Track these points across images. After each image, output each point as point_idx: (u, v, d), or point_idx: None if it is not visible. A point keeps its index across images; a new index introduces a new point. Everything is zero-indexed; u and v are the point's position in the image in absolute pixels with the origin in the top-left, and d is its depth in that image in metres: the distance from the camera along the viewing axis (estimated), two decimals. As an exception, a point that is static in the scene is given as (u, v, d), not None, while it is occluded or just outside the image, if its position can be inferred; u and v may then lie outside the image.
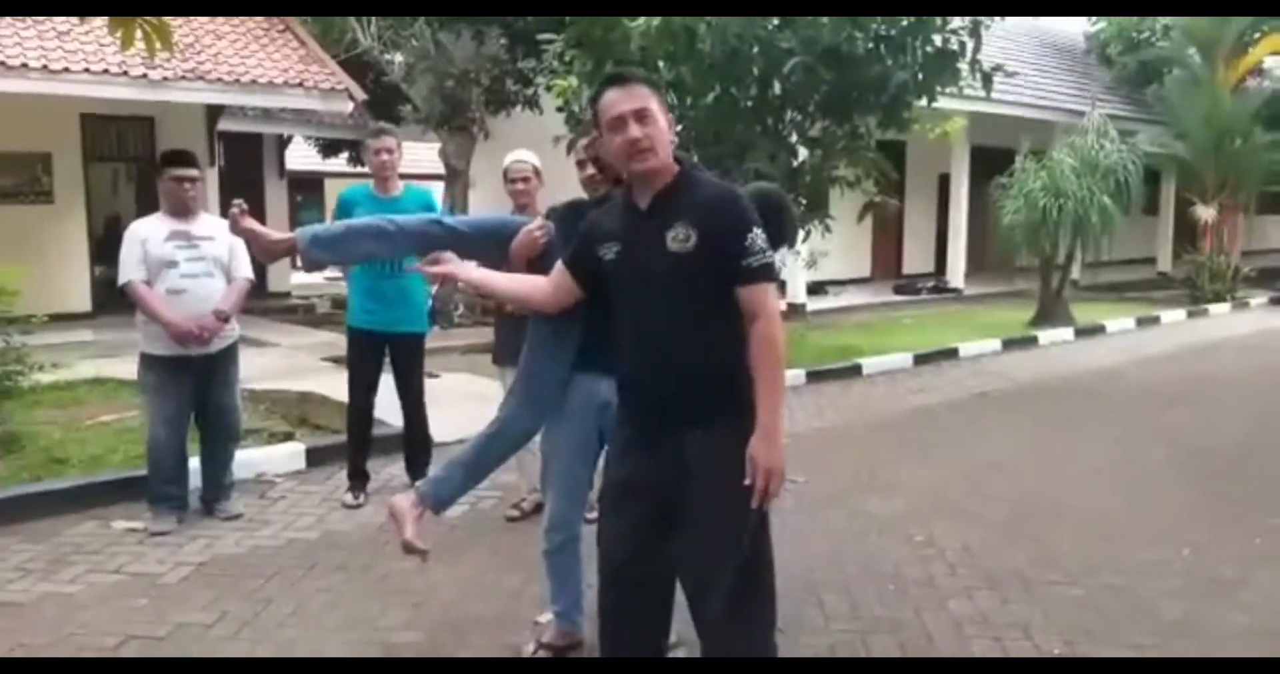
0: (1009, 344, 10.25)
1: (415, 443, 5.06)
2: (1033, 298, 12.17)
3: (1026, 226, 11.45)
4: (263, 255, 2.93)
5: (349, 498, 4.82)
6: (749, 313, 2.31)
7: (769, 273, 2.31)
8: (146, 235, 4.31)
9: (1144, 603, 3.67)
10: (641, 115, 2.32)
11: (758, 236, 2.30)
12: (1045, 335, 10.82)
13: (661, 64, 7.77)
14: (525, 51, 11.00)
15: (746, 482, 2.26)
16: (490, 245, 2.90)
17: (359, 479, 4.91)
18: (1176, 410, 7.18)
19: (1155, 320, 12.55)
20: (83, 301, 10.72)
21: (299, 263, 2.94)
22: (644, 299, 2.39)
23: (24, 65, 8.56)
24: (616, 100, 2.34)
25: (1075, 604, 3.65)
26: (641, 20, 7.09)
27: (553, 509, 3.08)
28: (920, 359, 9.18)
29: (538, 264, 2.82)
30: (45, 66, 8.67)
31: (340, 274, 7.10)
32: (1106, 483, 5.28)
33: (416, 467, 5.02)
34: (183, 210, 4.37)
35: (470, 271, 2.72)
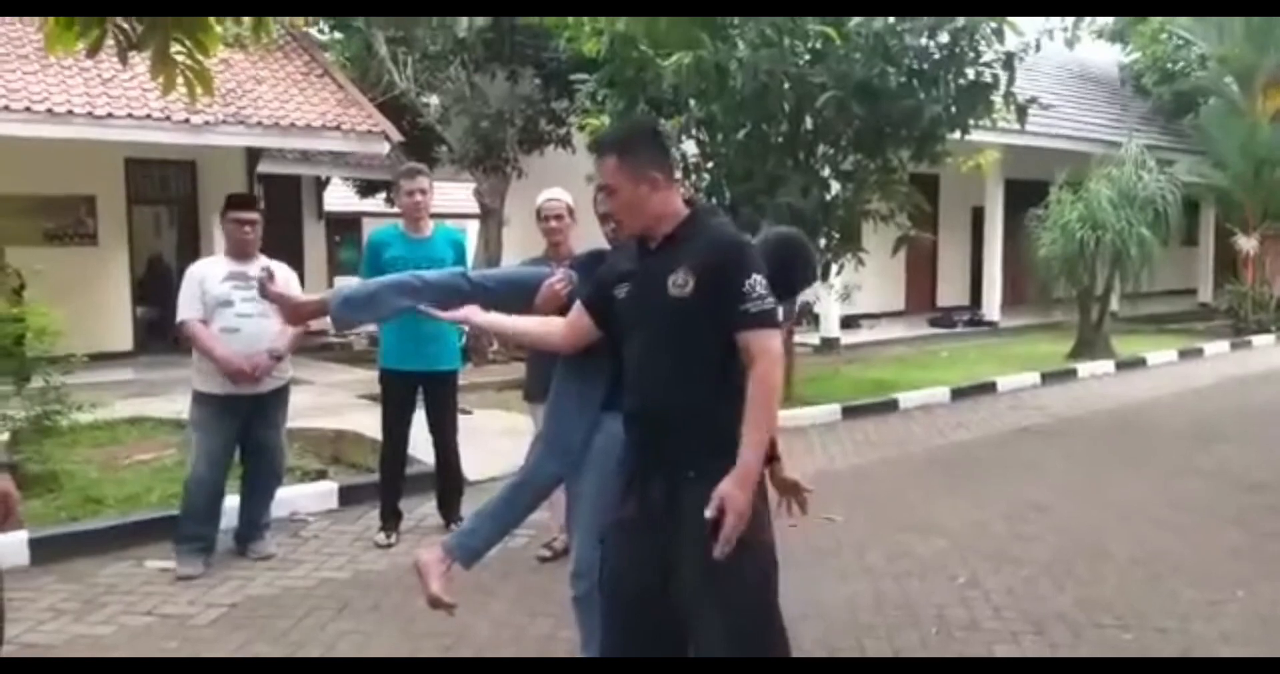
0: (1048, 377, 10.07)
1: (447, 481, 5.04)
2: (1070, 330, 11.98)
3: (1064, 258, 11.30)
4: (292, 319, 2.96)
5: (381, 538, 4.80)
6: (749, 357, 2.28)
7: (768, 318, 2.28)
8: (205, 275, 4.39)
9: (1199, 648, 3.53)
10: (608, 191, 2.42)
11: (757, 283, 2.28)
12: (1085, 368, 10.62)
13: (693, 102, 7.82)
14: (558, 92, 11.11)
15: (708, 513, 2.19)
16: (516, 298, 2.91)
17: (391, 519, 4.89)
18: (1223, 444, 6.99)
19: (1198, 352, 12.29)
20: (124, 341, 10.87)
21: (329, 325, 2.95)
22: (644, 340, 2.40)
23: (70, 112, 8.78)
24: (595, 170, 2.46)
25: (1126, 650, 3.53)
26: (673, 59, 7.14)
27: (579, 554, 3.02)
28: (958, 393, 9.04)
29: (563, 316, 2.81)
30: (90, 113, 8.89)
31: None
32: (1152, 521, 5.13)
33: (448, 505, 5.00)
34: (241, 252, 4.45)
35: (476, 315, 2.70)
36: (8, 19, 9.39)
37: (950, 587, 4.16)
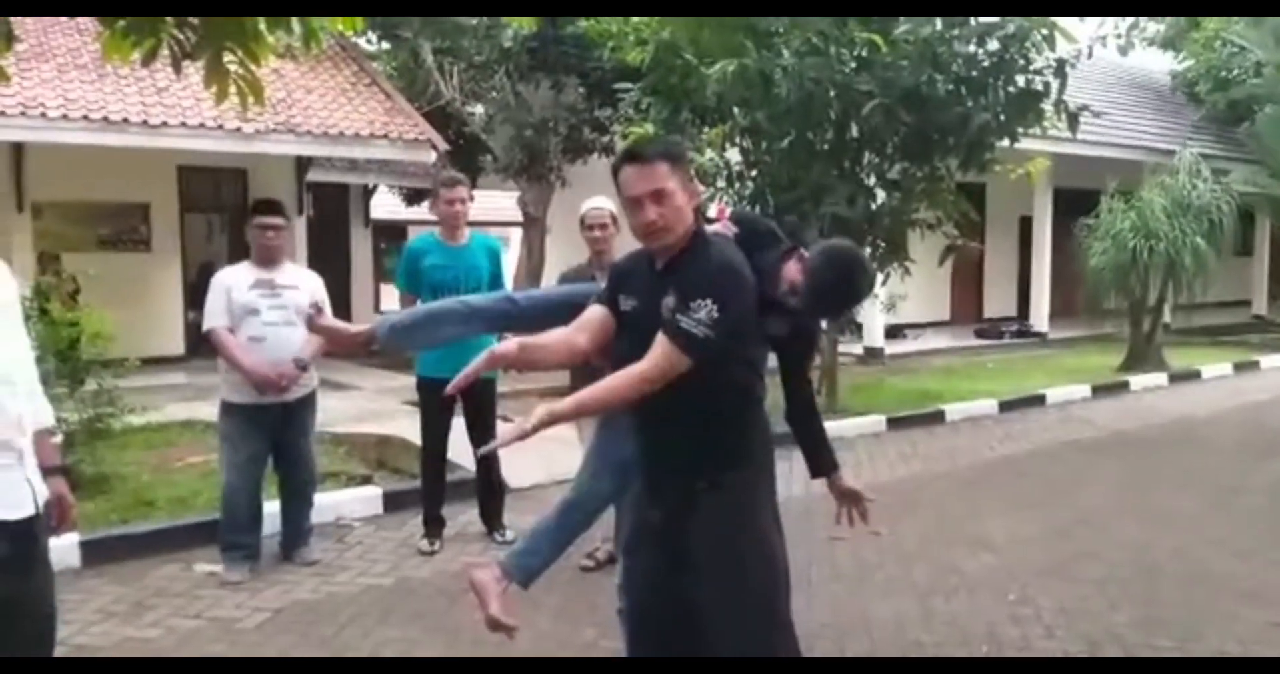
0: (1099, 390, 9.86)
1: (488, 489, 5.04)
2: (1121, 342, 11.73)
3: (1115, 268, 11.07)
4: (341, 350, 2.96)
5: (424, 544, 4.81)
6: (648, 352, 2.25)
7: (688, 341, 2.22)
8: (231, 283, 4.39)
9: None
10: (658, 196, 2.31)
11: (710, 309, 2.22)
12: (1137, 381, 10.40)
13: (737, 110, 7.78)
14: (602, 100, 11.14)
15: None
16: (563, 317, 2.88)
17: (435, 525, 4.89)
18: (1282, 461, 6.80)
19: (1254, 365, 11.98)
20: (176, 345, 11.07)
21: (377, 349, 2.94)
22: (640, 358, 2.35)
23: (125, 121, 8.96)
24: (632, 180, 2.33)
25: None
26: (718, 66, 7.12)
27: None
28: (1006, 405, 8.87)
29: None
30: (145, 122, 9.07)
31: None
32: (1209, 537, 4.99)
33: (489, 513, 5.00)
34: (267, 258, 4.44)
35: (509, 353, 2.48)
36: (67, 29, 9.63)
37: (1001, 604, 4.07)
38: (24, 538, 2.15)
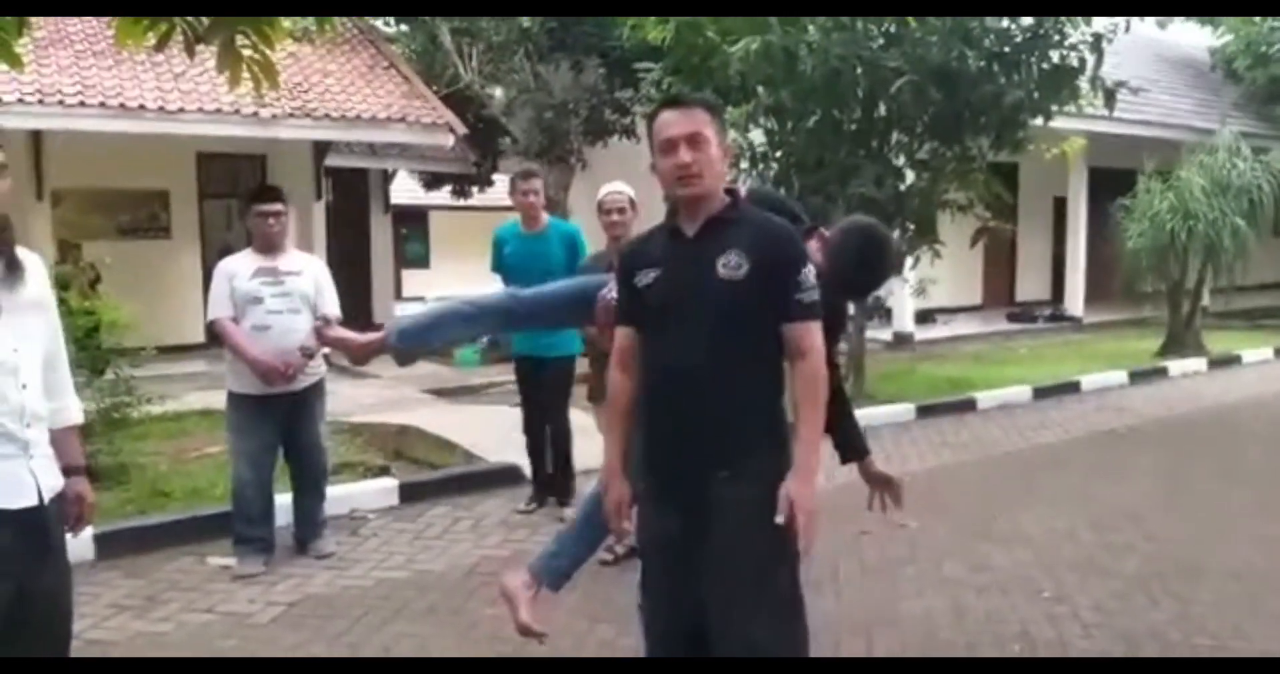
0: (1136, 376, 9.61)
1: (557, 466, 5.12)
2: (1159, 326, 11.45)
3: (1152, 250, 10.79)
4: (354, 358, 2.92)
5: (522, 505, 5.10)
6: (795, 350, 2.22)
7: (816, 311, 2.23)
8: (234, 271, 4.30)
9: (1314, 676, 3.24)
10: (694, 140, 2.24)
11: (810, 273, 2.23)
12: (1176, 366, 10.13)
13: (760, 88, 7.59)
14: (623, 81, 10.96)
15: (779, 519, 2.14)
16: (571, 311, 2.81)
17: (537, 491, 5.13)
18: (1330, 450, 6.57)
19: (1297, 350, 11.67)
20: (196, 333, 10.99)
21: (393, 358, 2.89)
22: (680, 328, 2.25)
23: (142, 106, 8.89)
24: (670, 122, 2.28)
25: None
26: (741, 44, 6.93)
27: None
28: (1040, 392, 8.65)
29: None
30: (162, 107, 8.99)
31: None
32: (1251, 531, 4.79)
33: (560, 489, 5.07)
34: (269, 246, 4.35)
35: (617, 499, 2.39)
36: (84, 15, 9.57)
37: (1035, 601, 3.91)
38: (28, 529, 2.11)
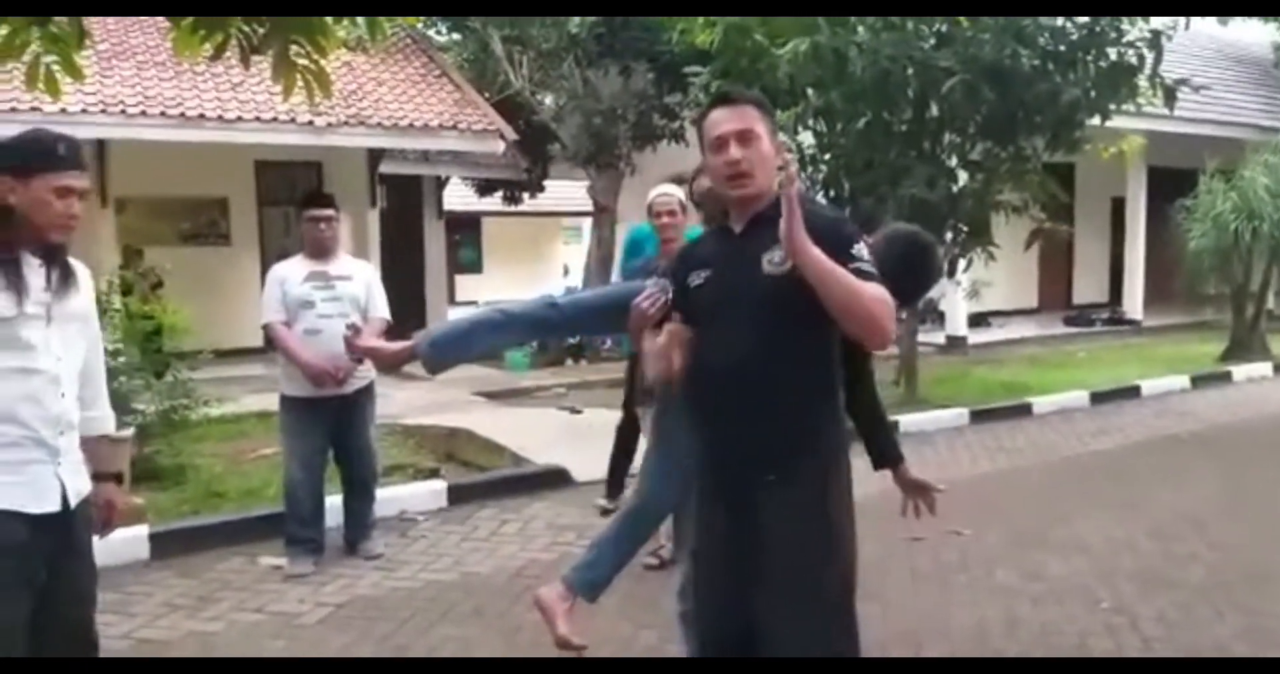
0: (1198, 381, 9.34)
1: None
2: (1222, 330, 11.12)
3: (1215, 252, 10.50)
4: (384, 367, 2.92)
5: (603, 502, 5.11)
6: None
7: (878, 279, 2.09)
8: (285, 276, 4.38)
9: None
10: (745, 137, 2.18)
11: (863, 248, 2.13)
12: (1240, 371, 9.83)
13: (810, 91, 7.53)
14: (671, 85, 10.96)
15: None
16: (609, 320, 2.76)
17: (615, 488, 5.13)
18: (1407, 458, 6.31)
19: (1368, 354, 11.25)
20: (255, 337, 11.18)
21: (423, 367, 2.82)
22: (729, 327, 2.19)
23: (202, 116, 9.10)
24: (721, 120, 2.22)
25: (1301, 691, 3.13)
26: (789, 46, 6.88)
27: (687, 571, 2.86)
28: (1098, 397, 8.44)
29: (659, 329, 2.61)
30: (221, 117, 9.20)
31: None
32: (1326, 543, 4.62)
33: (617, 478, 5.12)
34: (320, 251, 4.42)
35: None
36: (146, 28, 9.82)
37: (1093, 612, 3.80)
38: (53, 532, 2.16)
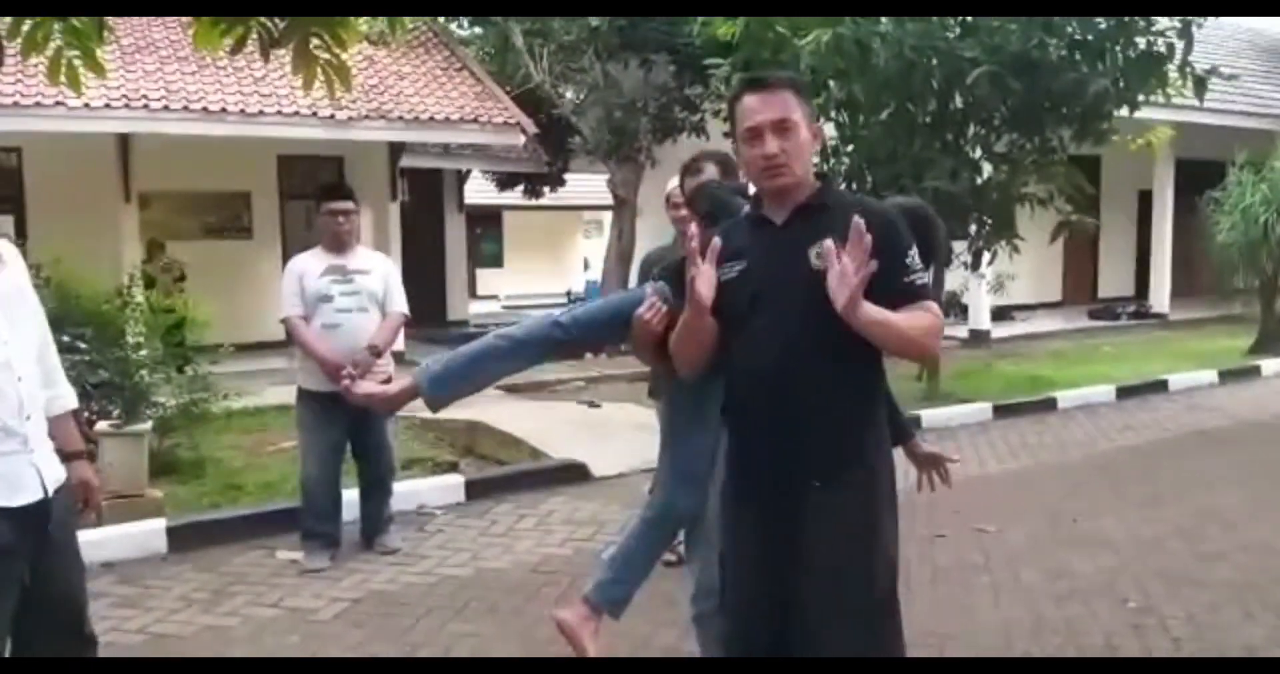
0: (1226, 375, 9.18)
1: None
2: (1250, 324, 10.94)
3: (1244, 245, 10.32)
4: (385, 410, 2.83)
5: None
6: None
7: (929, 293, 2.06)
8: (304, 270, 4.35)
9: None
10: (781, 127, 2.06)
11: (916, 255, 2.05)
12: (1269, 365, 9.66)
13: (832, 82, 7.45)
14: (692, 78, 10.91)
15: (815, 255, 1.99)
16: (617, 329, 2.67)
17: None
18: None
19: (1401, 349, 11.03)
20: (277, 330, 11.22)
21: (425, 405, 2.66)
22: (768, 325, 2.08)
23: (224, 110, 9.14)
24: (754, 108, 2.08)
25: (1335, 696, 3.05)
26: (811, 37, 6.80)
27: (701, 576, 2.83)
28: (1124, 392, 8.32)
29: (663, 342, 2.47)
30: (243, 111, 9.23)
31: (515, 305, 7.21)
32: (1361, 542, 4.51)
33: None
34: (338, 244, 4.39)
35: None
36: (168, 22, 9.86)
37: (1120, 612, 3.72)
38: (35, 523, 2.12)
